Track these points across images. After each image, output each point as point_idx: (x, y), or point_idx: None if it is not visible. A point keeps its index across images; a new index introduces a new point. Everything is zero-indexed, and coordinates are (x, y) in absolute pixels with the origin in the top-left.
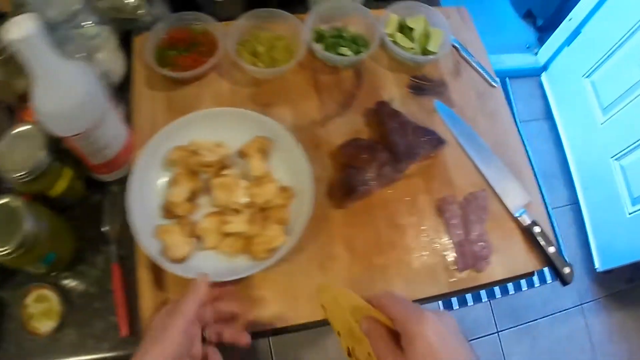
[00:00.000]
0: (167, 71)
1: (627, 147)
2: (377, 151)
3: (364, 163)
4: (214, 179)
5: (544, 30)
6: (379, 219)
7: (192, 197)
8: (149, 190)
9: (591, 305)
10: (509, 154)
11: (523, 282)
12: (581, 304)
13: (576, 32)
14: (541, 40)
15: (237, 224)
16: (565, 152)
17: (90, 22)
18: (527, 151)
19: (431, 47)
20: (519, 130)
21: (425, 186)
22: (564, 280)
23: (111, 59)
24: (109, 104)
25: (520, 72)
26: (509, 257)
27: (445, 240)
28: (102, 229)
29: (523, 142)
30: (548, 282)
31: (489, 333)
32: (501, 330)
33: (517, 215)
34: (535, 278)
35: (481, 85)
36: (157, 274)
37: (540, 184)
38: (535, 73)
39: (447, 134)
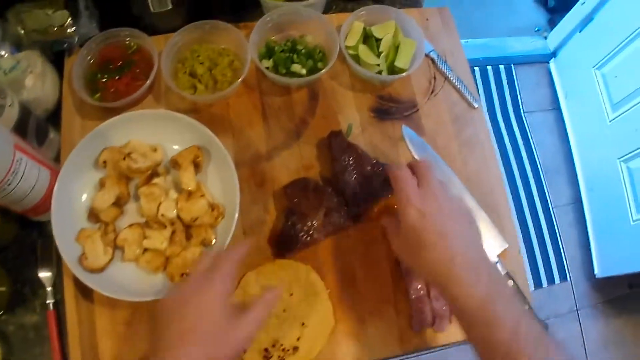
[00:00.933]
0: (95, 101)
1: (636, 149)
2: (325, 195)
3: (308, 209)
4: (142, 188)
5: (556, 12)
6: (325, 270)
7: (119, 203)
8: (78, 191)
9: (587, 311)
10: (485, 190)
11: None
12: (577, 309)
13: (589, 18)
14: (552, 23)
15: (155, 240)
16: (571, 147)
17: (3, 54)
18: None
19: (400, 63)
20: (512, 134)
21: (383, 232)
22: None
23: (38, 86)
24: (21, 151)
25: (528, 58)
26: None
27: (401, 296)
28: (38, 274)
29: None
30: (544, 286)
31: None
32: None
33: None
34: (530, 281)
35: (459, 106)
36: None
37: (543, 179)
38: (543, 59)
39: None
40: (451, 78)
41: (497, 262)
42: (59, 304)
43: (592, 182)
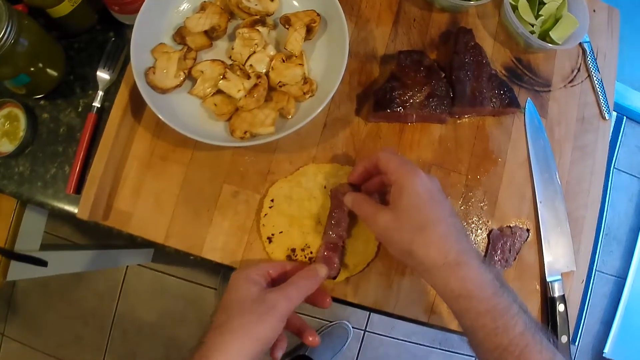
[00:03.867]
0: None
1: None
2: (436, 77)
3: (414, 82)
4: (243, 29)
5: None
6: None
7: (211, 34)
8: (177, 1)
9: None
10: (579, 204)
11: None
12: None
13: None
14: None
15: (233, 85)
16: None
17: None
18: (603, 211)
19: (554, 35)
20: (607, 182)
21: (464, 165)
22: None
23: None
24: None
25: None
26: None
27: None
28: (97, 72)
29: (604, 196)
30: None
31: None
32: None
33: (549, 279)
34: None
35: (590, 109)
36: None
37: (600, 240)
38: None
39: (522, 144)
40: (594, 78)
41: (557, 280)
42: (103, 112)
43: None
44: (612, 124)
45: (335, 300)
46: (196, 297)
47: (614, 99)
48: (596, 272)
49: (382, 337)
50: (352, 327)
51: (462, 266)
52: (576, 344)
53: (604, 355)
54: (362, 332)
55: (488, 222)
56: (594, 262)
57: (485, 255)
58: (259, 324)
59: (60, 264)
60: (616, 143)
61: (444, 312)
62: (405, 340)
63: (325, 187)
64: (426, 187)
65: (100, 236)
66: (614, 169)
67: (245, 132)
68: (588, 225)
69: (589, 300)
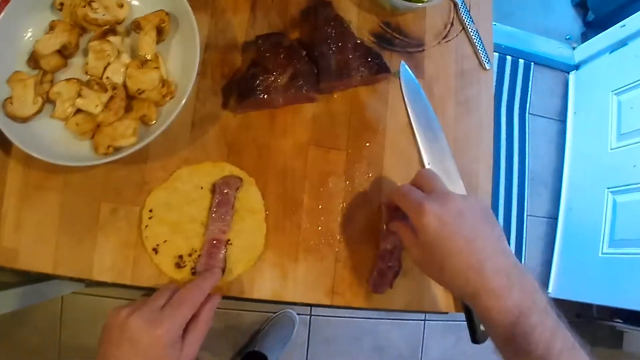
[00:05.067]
0: None
1: (628, 184)
2: (297, 56)
3: (275, 66)
4: (94, 42)
5: (591, 27)
6: (270, 190)
7: (64, 53)
8: (24, 27)
9: None
10: (471, 157)
11: None
12: None
13: (623, 43)
14: (584, 37)
15: (90, 101)
16: (564, 163)
17: None
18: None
19: None
20: (524, 127)
21: (343, 140)
22: (475, 338)
23: None
24: None
25: (550, 62)
26: (419, 287)
27: (344, 244)
28: None
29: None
30: None
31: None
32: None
33: None
34: None
35: (469, 62)
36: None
37: (526, 184)
38: (565, 69)
39: (401, 108)
40: (469, 30)
41: None
42: None
43: (574, 202)
44: (509, 74)
45: (233, 298)
46: None
47: (524, 48)
48: (528, 217)
49: (328, 317)
50: (297, 314)
51: (483, 295)
52: None
53: (548, 295)
54: (308, 316)
55: (377, 193)
56: (524, 207)
57: None
58: None
59: None
60: (527, 89)
61: (346, 292)
62: (353, 317)
63: (202, 188)
64: (438, 222)
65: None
66: (529, 115)
67: (108, 147)
68: (481, 177)
69: (526, 245)
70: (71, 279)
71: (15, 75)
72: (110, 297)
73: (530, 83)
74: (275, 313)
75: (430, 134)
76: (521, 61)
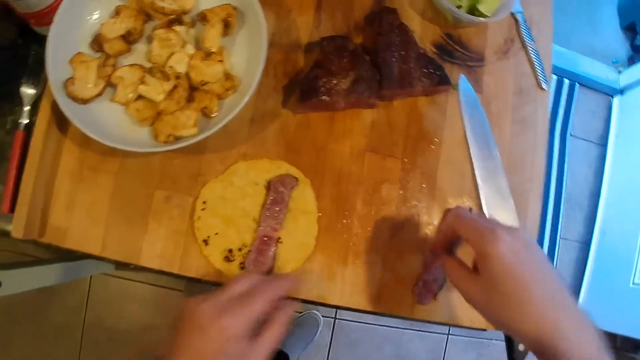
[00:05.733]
0: None
1: None
2: (360, 61)
3: (339, 69)
4: (159, 30)
5: (639, 52)
6: (324, 192)
7: (128, 38)
8: (91, 9)
9: None
10: (524, 178)
11: None
12: None
13: None
14: (631, 61)
15: (153, 88)
16: (601, 188)
17: None
18: (562, 179)
19: (482, 7)
20: (563, 149)
21: (400, 148)
22: (512, 357)
23: None
24: None
25: (593, 84)
26: (462, 301)
27: (395, 253)
28: (21, 88)
29: (562, 164)
30: None
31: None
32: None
33: None
34: None
35: (527, 81)
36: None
37: (561, 207)
38: (609, 92)
39: (458, 121)
40: (529, 48)
41: None
42: (32, 128)
43: (608, 227)
44: (553, 93)
45: None
46: (163, 301)
47: (569, 68)
48: (560, 240)
49: (352, 322)
50: (322, 316)
51: (557, 338)
52: None
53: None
54: (333, 319)
55: (429, 204)
56: (557, 229)
57: None
58: None
59: (17, 282)
60: (570, 110)
61: (390, 300)
62: (377, 324)
63: (257, 184)
64: (511, 251)
65: (62, 249)
66: (570, 136)
67: (168, 136)
68: (534, 198)
69: (556, 267)
70: (115, 262)
71: (78, 56)
72: (138, 281)
73: (573, 104)
74: (301, 313)
75: (486, 150)
76: (566, 81)
